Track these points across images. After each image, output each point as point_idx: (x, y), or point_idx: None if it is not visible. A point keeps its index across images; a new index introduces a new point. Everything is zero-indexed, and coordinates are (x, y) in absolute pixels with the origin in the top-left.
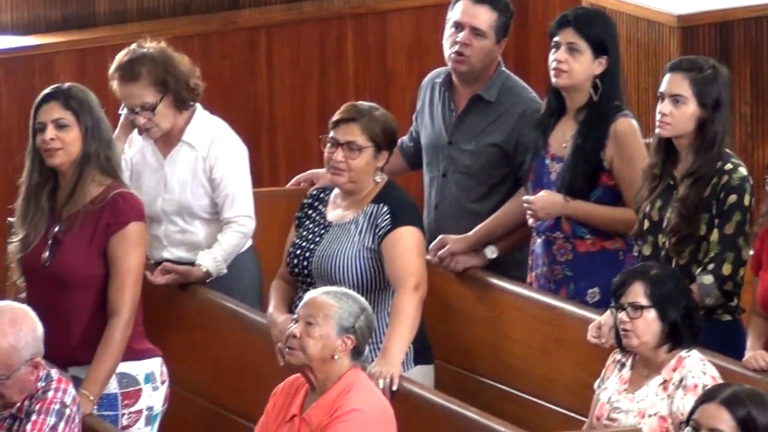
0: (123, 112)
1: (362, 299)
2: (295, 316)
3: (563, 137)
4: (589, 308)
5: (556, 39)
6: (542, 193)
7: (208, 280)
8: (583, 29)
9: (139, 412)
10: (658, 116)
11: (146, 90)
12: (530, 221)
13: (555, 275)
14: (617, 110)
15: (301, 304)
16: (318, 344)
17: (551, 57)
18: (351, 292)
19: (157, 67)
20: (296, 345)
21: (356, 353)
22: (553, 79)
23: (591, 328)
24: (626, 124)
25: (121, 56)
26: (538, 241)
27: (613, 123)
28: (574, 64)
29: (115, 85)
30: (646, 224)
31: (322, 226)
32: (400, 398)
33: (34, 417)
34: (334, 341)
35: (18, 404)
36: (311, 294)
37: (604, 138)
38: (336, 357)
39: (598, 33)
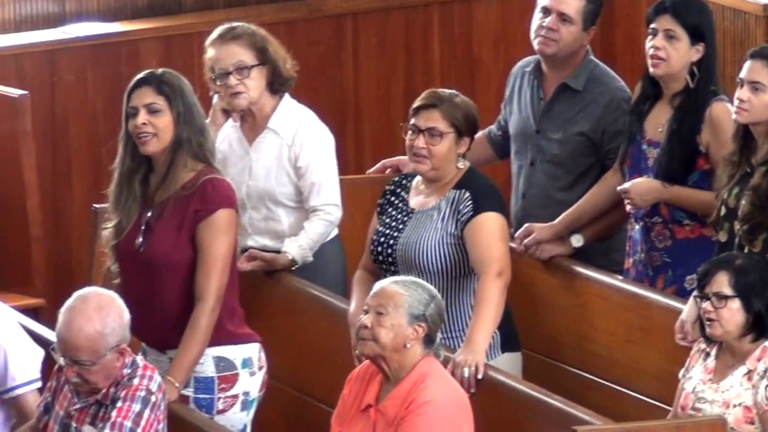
0: (215, 99)
1: (431, 287)
2: (365, 306)
3: (658, 122)
4: (675, 297)
5: (653, 26)
6: (638, 180)
7: (293, 268)
8: (681, 16)
9: (235, 396)
10: (735, 102)
11: (246, 50)
12: (628, 208)
13: (653, 262)
14: (713, 95)
15: (371, 294)
16: (390, 333)
17: (648, 44)
18: (420, 280)
19: (256, 37)
20: (368, 335)
21: (428, 341)
22: (651, 69)
23: (676, 329)
24: (722, 108)
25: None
26: (637, 227)
27: (709, 107)
28: (671, 51)
29: (211, 52)
30: (723, 211)
31: (405, 213)
32: (484, 386)
33: (119, 404)
34: (406, 329)
35: (103, 391)
36: (380, 284)
37: (700, 122)
38: (408, 345)
39: (695, 20)
